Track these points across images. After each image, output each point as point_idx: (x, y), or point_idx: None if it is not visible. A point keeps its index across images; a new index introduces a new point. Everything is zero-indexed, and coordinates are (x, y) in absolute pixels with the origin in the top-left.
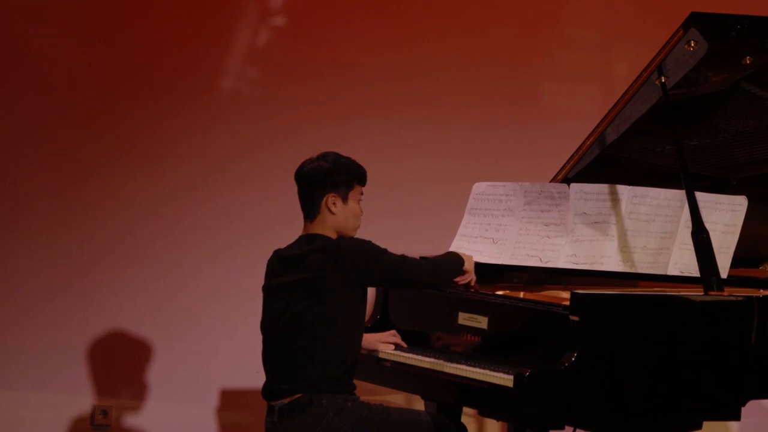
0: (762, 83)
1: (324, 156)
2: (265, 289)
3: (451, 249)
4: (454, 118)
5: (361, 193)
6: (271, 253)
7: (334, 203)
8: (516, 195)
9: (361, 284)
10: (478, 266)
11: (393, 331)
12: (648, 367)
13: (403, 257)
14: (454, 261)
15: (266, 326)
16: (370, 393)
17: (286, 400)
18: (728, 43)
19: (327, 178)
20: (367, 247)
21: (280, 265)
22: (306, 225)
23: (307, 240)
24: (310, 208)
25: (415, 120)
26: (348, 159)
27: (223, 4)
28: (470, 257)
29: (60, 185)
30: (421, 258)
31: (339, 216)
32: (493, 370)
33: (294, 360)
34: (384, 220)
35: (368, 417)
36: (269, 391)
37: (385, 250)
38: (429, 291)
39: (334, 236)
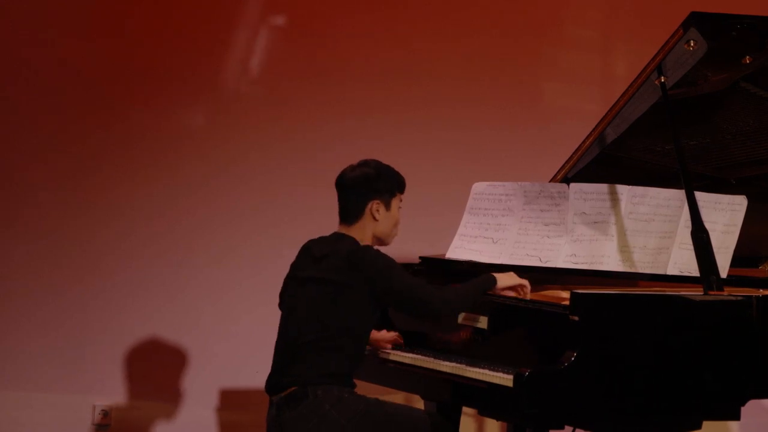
0: (761, 83)
1: (366, 163)
2: (287, 278)
3: (451, 248)
4: (454, 117)
5: (401, 200)
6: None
7: (377, 210)
8: (515, 195)
9: (374, 297)
10: (478, 266)
11: (396, 333)
12: (647, 367)
13: (421, 283)
14: (479, 287)
15: (282, 318)
16: (370, 392)
17: (283, 394)
18: (728, 42)
19: (372, 184)
20: (389, 265)
21: (307, 259)
22: (342, 227)
23: (338, 238)
24: (352, 214)
25: (415, 119)
26: (389, 167)
27: (223, 4)
28: (508, 276)
29: (60, 185)
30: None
31: (381, 222)
32: (493, 370)
33: (298, 354)
34: None
35: (364, 410)
36: (271, 384)
37: (405, 273)
38: None
39: (371, 241)
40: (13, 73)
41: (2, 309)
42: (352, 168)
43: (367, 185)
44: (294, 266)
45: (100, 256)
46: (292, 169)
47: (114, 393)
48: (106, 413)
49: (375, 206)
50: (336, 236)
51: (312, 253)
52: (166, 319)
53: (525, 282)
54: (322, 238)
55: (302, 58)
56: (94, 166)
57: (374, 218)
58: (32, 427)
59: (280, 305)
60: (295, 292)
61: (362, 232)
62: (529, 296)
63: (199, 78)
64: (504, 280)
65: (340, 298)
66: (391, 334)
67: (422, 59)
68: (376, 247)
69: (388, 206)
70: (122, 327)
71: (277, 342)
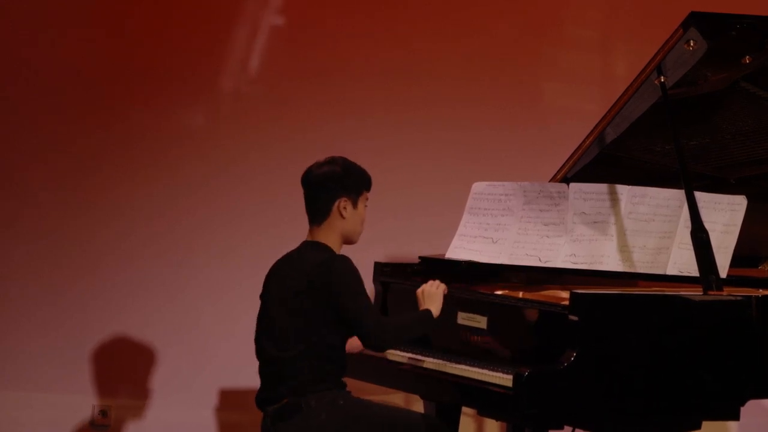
0: (761, 83)
1: (333, 160)
2: (262, 297)
3: (451, 248)
4: (453, 117)
5: (367, 199)
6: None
7: (345, 207)
8: (515, 195)
9: (330, 305)
10: (477, 266)
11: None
12: (647, 367)
13: (372, 310)
14: (422, 323)
15: (260, 335)
16: (370, 392)
17: (276, 405)
18: (727, 42)
19: (339, 182)
20: (356, 283)
21: (279, 274)
22: (312, 230)
23: (310, 248)
24: (319, 213)
25: (415, 119)
26: (355, 164)
27: (223, 4)
28: (436, 300)
29: (60, 185)
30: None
31: (348, 221)
32: (492, 370)
33: (283, 368)
34: (383, 220)
35: (358, 414)
36: (261, 398)
37: (366, 297)
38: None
39: (339, 241)
40: (13, 73)
41: (2, 309)
42: (318, 165)
43: (335, 183)
44: (268, 284)
45: (100, 256)
46: (292, 169)
47: (113, 393)
48: (105, 413)
49: (342, 204)
50: (306, 245)
51: (285, 270)
52: (166, 319)
53: (443, 288)
54: (291, 253)
55: (302, 58)
56: (94, 166)
57: (341, 216)
58: (32, 426)
59: (258, 330)
60: (272, 309)
61: (331, 233)
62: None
63: (198, 78)
64: (436, 307)
65: (321, 303)
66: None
67: (422, 59)
68: (344, 246)
69: (355, 204)
70: (122, 327)
71: (261, 360)
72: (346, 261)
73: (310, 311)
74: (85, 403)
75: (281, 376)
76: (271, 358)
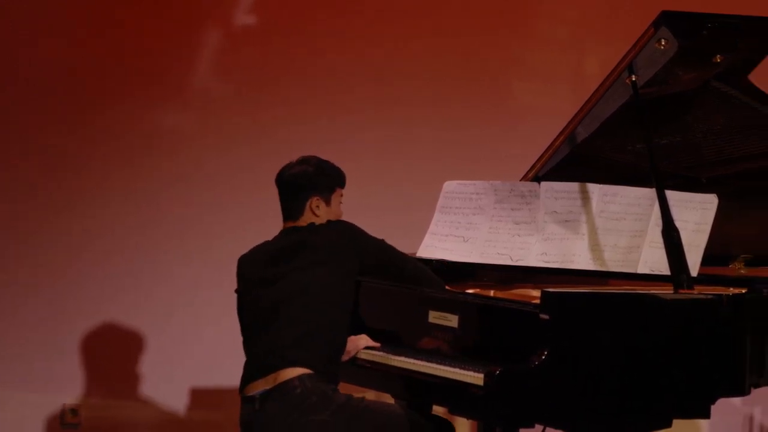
0: (732, 82)
1: (305, 160)
2: (250, 283)
3: (422, 247)
4: (425, 116)
5: (341, 195)
6: (246, 251)
7: (317, 206)
8: (486, 193)
9: (361, 264)
10: (448, 264)
11: (364, 335)
12: (618, 366)
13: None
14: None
15: (257, 317)
16: (343, 390)
17: (269, 388)
18: (699, 41)
19: (311, 181)
20: (367, 234)
21: (272, 256)
22: (289, 224)
23: (296, 230)
24: (294, 211)
25: (386, 118)
26: (328, 162)
27: (200, 3)
28: None
29: (32, 185)
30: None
31: (322, 218)
32: (464, 369)
33: (280, 352)
34: (354, 218)
35: (349, 404)
36: (248, 382)
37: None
38: (399, 288)
39: None
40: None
41: None
42: (290, 165)
43: (306, 182)
44: (256, 270)
45: (73, 255)
46: (268, 167)
47: (84, 392)
48: (75, 412)
49: (315, 203)
50: (292, 230)
51: (279, 249)
52: (139, 317)
53: None
54: (276, 239)
55: (276, 58)
56: (66, 165)
57: (315, 214)
58: (1, 425)
59: (249, 317)
60: (274, 287)
61: None
62: None
63: (174, 77)
64: None
65: (331, 274)
66: (361, 338)
67: (394, 58)
68: None
69: (328, 202)
70: (93, 326)
71: (250, 344)
72: (345, 223)
73: (308, 297)
74: (56, 402)
75: (273, 362)
76: (261, 343)
